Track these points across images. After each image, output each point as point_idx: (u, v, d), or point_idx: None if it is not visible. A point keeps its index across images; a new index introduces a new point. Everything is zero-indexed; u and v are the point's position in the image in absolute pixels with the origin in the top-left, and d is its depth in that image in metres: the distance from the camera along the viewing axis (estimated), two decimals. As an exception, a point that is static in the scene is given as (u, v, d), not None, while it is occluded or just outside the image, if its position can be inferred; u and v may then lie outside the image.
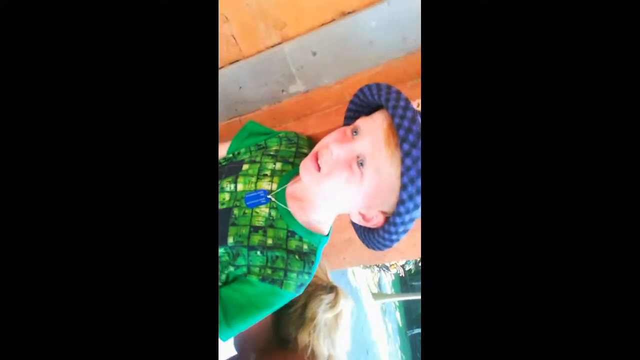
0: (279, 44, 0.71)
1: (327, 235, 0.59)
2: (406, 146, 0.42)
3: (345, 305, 0.65)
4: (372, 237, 0.53)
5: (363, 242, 0.56)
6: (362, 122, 0.50)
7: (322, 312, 0.62)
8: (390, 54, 0.69)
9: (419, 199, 0.44)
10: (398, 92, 0.46)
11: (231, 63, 0.73)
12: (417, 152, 0.42)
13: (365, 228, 0.55)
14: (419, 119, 0.43)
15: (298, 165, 0.59)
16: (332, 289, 0.66)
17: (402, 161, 0.43)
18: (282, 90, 0.78)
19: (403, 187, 0.44)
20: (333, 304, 0.63)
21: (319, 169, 0.50)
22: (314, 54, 0.71)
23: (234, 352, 0.70)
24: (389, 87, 0.47)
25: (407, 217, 0.46)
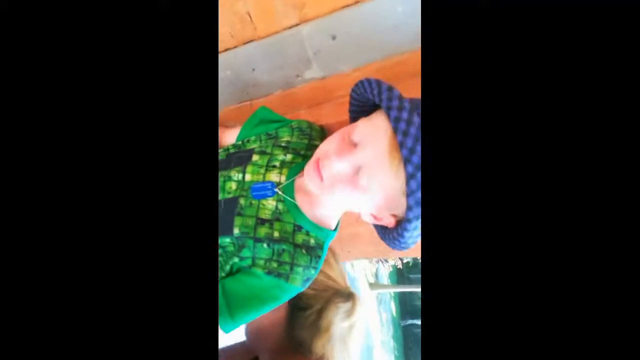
0: (297, 25, 0.66)
1: (335, 229, 0.58)
2: (410, 168, 0.39)
3: (361, 314, 0.62)
4: (388, 235, 0.51)
5: (380, 237, 0.54)
6: (362, 127, 0.46)
7: (339, 322, 0.60)
8: (416, 42, 0.65)
9: None
10: (401, 99, 0.41)
11: (245, 43, 0.69)
12: (419, 158, 0.39)
13: (380, 225, 0.52)
14: (419, 134, 0.39)
15: (309, 157, 0.56)
16: (349, 296, 0.63)
17: (407, 182, 0.40)
18: (297, 75, 0.74)
19: (409, 208, 0.41)
20: (350, 313, 0.61)
21: (322, 178, 0.47)
22: (334, 37, 0.67)
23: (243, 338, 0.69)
24: (390, 89, 0.42)
25: (416, 228, 0.44)
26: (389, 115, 0.41)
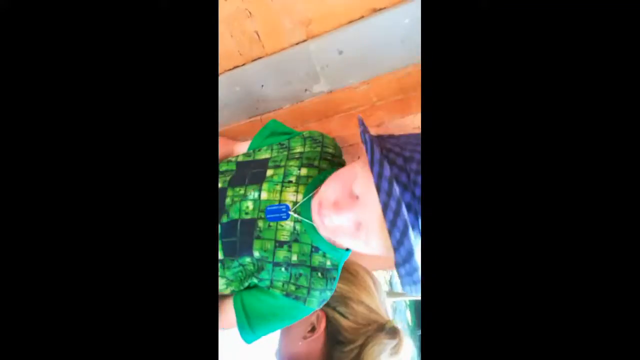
0: (304, 41, 0.67)
1: (349, 249, 0.57)
2: (398, 258, 0.39)
3: (407, 351, 0.58)
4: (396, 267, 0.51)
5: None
6: (362, 181, 0.44)
7: (384, 359, 0.56)
8: (422, 54, 0.65)
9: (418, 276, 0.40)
10: (390, 183, 0.38)
11: (253, 60, 0.71)
12: (407, 252, 0.38)
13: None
14: (418, 207, 0.37)
15: (324, 169, 0.56)
16: (394, 331, 0.59)
17: (397, 269, 0.40)
18: (306, 90, 0.75)
19: (399, 276, 0.41)
20: (396, 350, 0.57)
21: (325, 225, 0.48)
22: (341, 52, 0.68)
23: None
24: (381, 163, 0.39)
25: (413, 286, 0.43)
26: (379, 196, 0.39)
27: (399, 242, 0.38)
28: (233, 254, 0.54)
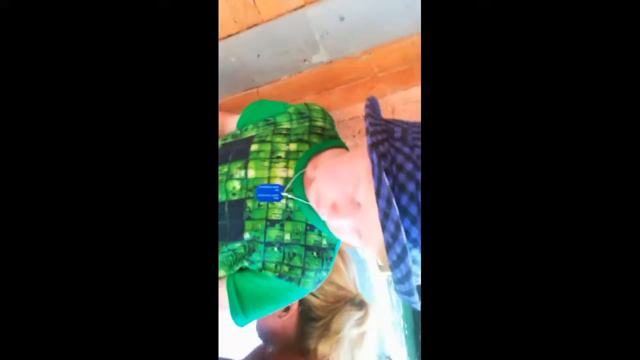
0: (302, 6, 0.63)
1: None
2: (396, 281, 0.37)
3: (372, 325, 0.63)
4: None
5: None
6: (365, 191, 0.39)
7: (349, 328, 0.60)
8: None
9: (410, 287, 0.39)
10: (392, 220, 0.34)
11: (249, 28, 0.66)
12: (407, 290, 0.37)
13: None
14: (419, 219, 0.35)
15: (314, 143, 0.53)
16: (361, 304, 0.64)
17: (395, 289, 0.39)
18: (304, 60, 0.71)
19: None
20: (361, 322, 0.62)
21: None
22: (342, 19, 0.64)
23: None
24: (389, 200, 0.35)
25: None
26: (383, 234, 0.35)
27: (399, 280, 0.36)
28: (223, 238, 0.52)
